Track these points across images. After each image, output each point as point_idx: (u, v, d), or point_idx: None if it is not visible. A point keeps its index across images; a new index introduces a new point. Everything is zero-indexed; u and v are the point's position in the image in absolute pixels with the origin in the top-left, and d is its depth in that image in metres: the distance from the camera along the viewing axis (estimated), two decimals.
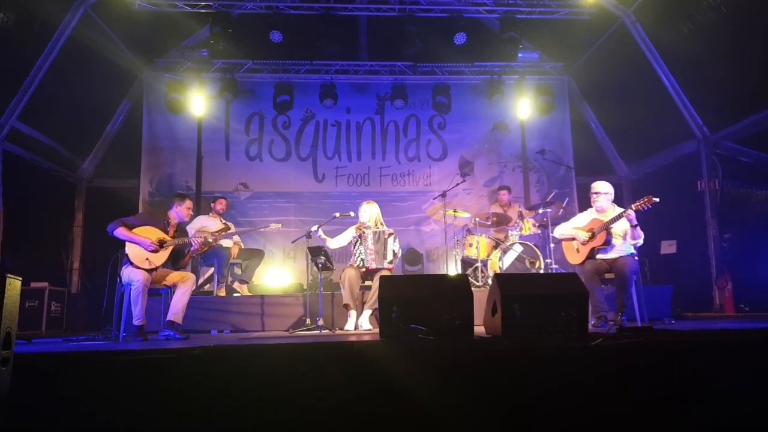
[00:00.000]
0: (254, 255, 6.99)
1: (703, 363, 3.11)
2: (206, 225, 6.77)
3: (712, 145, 7.68)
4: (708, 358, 3.12)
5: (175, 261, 4.97)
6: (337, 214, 5.88)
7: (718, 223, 7.58)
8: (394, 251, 5.60)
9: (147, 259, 4.67)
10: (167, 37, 8.63)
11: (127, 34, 7.94)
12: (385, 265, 5.49)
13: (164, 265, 4.84)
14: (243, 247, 7.13)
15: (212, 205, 7.19)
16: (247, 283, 6.78)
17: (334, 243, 5.75)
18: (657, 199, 4.75)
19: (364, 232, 5.57)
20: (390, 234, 5.62)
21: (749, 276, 7.02)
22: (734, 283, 7.22)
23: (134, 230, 4.70)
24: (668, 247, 7.78)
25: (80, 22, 6.99)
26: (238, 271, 7.05)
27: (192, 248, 4.95)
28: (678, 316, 6.29)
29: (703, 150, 7.74)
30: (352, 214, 5.93)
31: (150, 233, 4.73)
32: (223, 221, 7.01)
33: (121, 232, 4.66)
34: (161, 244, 4.74)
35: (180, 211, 4.96)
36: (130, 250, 4.67)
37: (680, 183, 8.03)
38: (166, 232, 4.87)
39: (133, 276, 4.61)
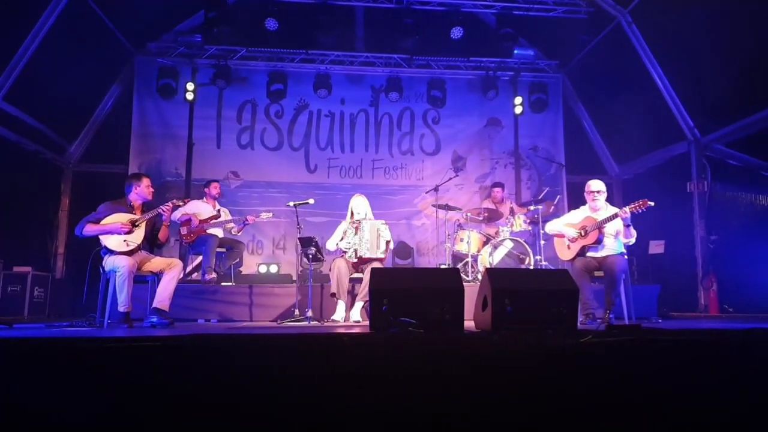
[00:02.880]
0: (233, 246, 6.83)
1: (689, 361, 3.13)
2: (198, 211, 6.67)
3: (702, 147, 7.74)
4: (694, 356, 3.15)
5: (154, 239, 4.88)
6: (291, 203, 5.78)
7: (706, 224, 7.65)
8: (387, 240, 5.60)
9: (125, 241, 4.60)
10: (160, 21, 8.50)
11: (119, 17, 7.81)
12: (378, 255, 5.48)
13: (143, 247, 4.77)
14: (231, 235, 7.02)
15: (206, 190, 7.02)
16: (218, 273, 6.59)
17: (331, 244, 5.70)
18: (652, 203, 4.78)
19: (360, 223, 5.54)
20: (382, 224, 5.62)
21: (734, 277, 7.11)
22: (719, 284, 7.30)
23: (101, 222, 4.62)
24: (656, 247, 7.84)
25: (70, 1, 6.85)
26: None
27: (163, 218, 4.82)
28: (664, 315, 6.34)
29: (694, 152, 7.81)
30: (311, 201, 5.87)
31: (118, 218, 4.66)
32: (217, 207, 6.92)
33: (89, 229, 4.58)
34: (133, 223, 4.67)
35: (140, 191, 4.82)
36: (106, 240, 4.60)
37: (670, 184, 8.09)
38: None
39: (117, 262, 4.53)
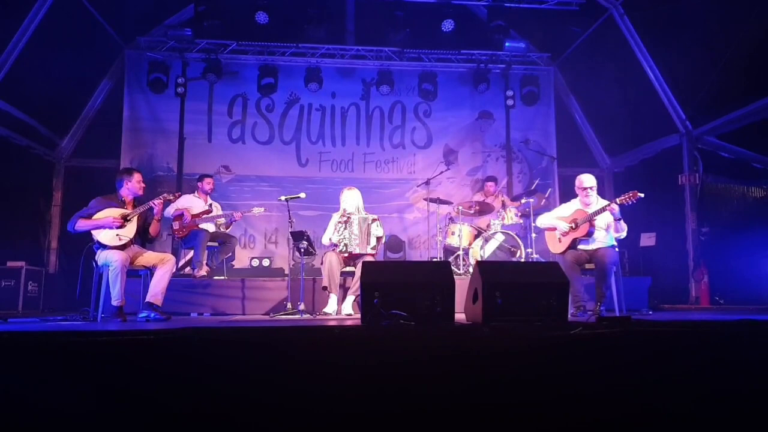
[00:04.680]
0: (225, 240, 6.80)
1: (679, 353, 3.16)
2: (190, 205, 6.65)
3: (694, 139, 7.77)
4: (684, 347, 3.18)
5: (145, 234, 4.90)
6: (283, 198, 5.79)
7: (697, 217, 7.70)
8: (377, 236, 5.60)
9: (117, 235, 4.62)
10: (150, 14, 8.44)
11: (109, 11, 7.75)
12: (368, 250, 5.48)
13: (136, 240, 4.79)
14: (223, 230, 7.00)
15: (199, 184, 6.97)
16: (210, 267, 6.61)
17: (326, 239, 5.70)
18: (642, 195, 4.80)
19: (349, 218, 5.54)
20: (374, 220, 5.61)
21: (725, 269, 7.16)
22: (710, 276, 7.35)
23: (93, 217, 4.64)
24: (648, 240, 7.89)
25: None
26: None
27: (155, 212, 4.84)
28: (655, 307, 6.39)
29: (685, 144, 7.84)
30: (302, 195, 5.88)
31: (110, 213, 4.68)
32: (209, 202, 6.90)
33: (81, 224, 4.60)
34: (124, 218, 4.69)
35: (131, 186, 4.84)
36: (99, 235, 4.61)
37: (662, 176, 8.13)
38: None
39: (110, 257, 4.55)
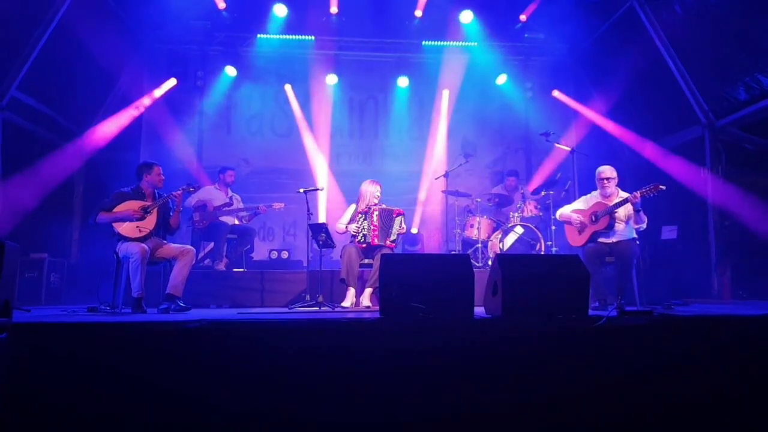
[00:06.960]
0: (244, 233, 6.85)
1: (701, 346, 3.13)
2: (211, 197, 6.71)
3: (716, 131, 7.61)
4: (706, 341, 3.15)
5: (166, 224, 4.97)
6: (301, 190, 5.80)
7: (720, 209, 7.55)
8: (400, 232, 5.61)
9: (137, 227, 4.70)
10: (170, 8, 8.48)
11: (129, 4, 7.80)
12: (387, 242, 5.48)
13: (156, 232, 4.85)
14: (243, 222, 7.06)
15: (221, 176, 7.05)
16: (229, 260, 6.65)
17: (340, 225, 5.70)
18: (663, 187, 4.74)
19: (370, 209, 5.55)
20: (398, 213, 5.61)
21: (748, 263, 7.03)
22: (733, 270, 7.23)
23: (114, 209, 4.72)
24: (669, 233, 7.77)
25: None
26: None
27: (174, 203, 4.94)
28: (676, 300, 6.29)
29: (708, 136, 7.68)
30: (322, 188, 5.88)
31: (130, 206, 4.76)
32: (230, 194, 6.95)
33: (102, 217, 4.70)
34: (145, 209, 4.76)
35: (151, 179, 4.93)
36: (119, 227, 4.70)
37: (683, 168, 7.98)
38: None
39: (131, 249, 4.61)
